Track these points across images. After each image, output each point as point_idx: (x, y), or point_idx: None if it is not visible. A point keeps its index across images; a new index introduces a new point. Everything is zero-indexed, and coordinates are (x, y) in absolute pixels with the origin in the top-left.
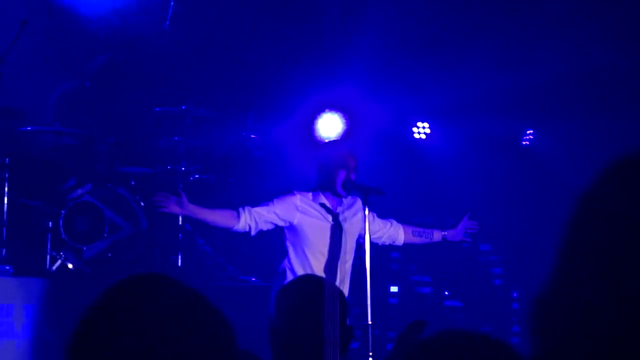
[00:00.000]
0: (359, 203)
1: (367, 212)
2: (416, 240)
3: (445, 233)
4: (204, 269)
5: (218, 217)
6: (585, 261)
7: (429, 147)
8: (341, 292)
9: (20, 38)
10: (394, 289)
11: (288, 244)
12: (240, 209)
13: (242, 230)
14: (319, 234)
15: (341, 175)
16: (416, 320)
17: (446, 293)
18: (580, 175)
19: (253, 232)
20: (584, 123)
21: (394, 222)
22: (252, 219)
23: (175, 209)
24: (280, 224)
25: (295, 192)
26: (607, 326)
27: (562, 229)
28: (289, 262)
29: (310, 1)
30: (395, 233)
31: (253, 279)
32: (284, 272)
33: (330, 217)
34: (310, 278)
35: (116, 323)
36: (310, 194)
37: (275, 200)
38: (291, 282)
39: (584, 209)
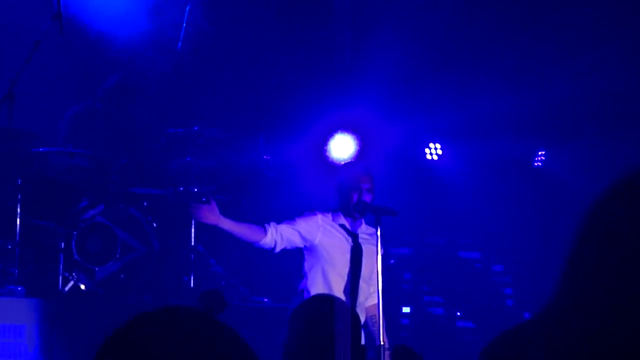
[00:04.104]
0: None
1: (379, 232)
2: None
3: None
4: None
5: (246, 231)
6: (590, 279)
7: (441, 168)
8: (354, 312)
9: (32, 59)
10: (406, 309)
11: (307, 264)
12: (267, 225)
13: (268, 246)
14: (339, 255)
15: (354, 198)
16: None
17: (458, 314)
18: (591, 196)
19: (278, 249)
20: (596, 144)
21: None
22: (279, 235)
23: (209, 218)
24: (301, 244)
25: (317, 212)
26: (610, 341)
27: (569, 247)
28: (308, 283)
29: (322, 23)
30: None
31: (265, 300)
32: (302, 292)
33: (350, 239)
34: (322, 298)
35: (140, 351)
36: (330, 214)
37: (297, 219)
38: (304, 302)
39: (589, 227)
